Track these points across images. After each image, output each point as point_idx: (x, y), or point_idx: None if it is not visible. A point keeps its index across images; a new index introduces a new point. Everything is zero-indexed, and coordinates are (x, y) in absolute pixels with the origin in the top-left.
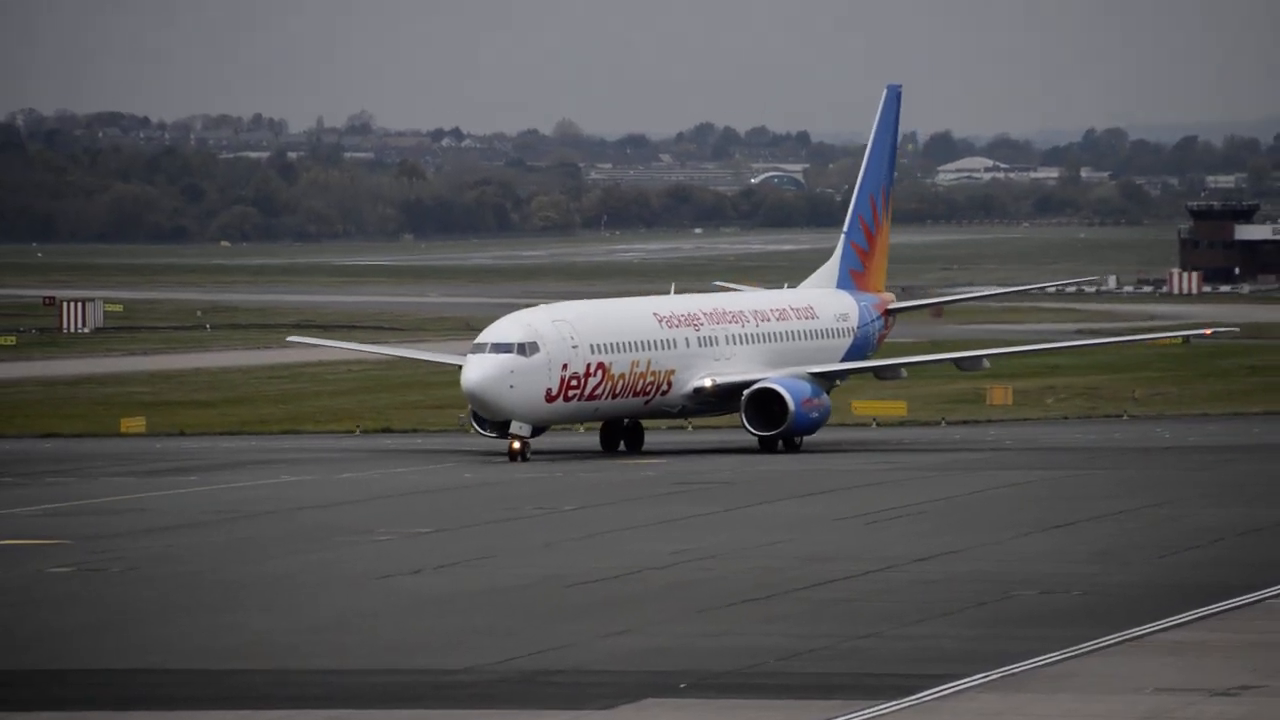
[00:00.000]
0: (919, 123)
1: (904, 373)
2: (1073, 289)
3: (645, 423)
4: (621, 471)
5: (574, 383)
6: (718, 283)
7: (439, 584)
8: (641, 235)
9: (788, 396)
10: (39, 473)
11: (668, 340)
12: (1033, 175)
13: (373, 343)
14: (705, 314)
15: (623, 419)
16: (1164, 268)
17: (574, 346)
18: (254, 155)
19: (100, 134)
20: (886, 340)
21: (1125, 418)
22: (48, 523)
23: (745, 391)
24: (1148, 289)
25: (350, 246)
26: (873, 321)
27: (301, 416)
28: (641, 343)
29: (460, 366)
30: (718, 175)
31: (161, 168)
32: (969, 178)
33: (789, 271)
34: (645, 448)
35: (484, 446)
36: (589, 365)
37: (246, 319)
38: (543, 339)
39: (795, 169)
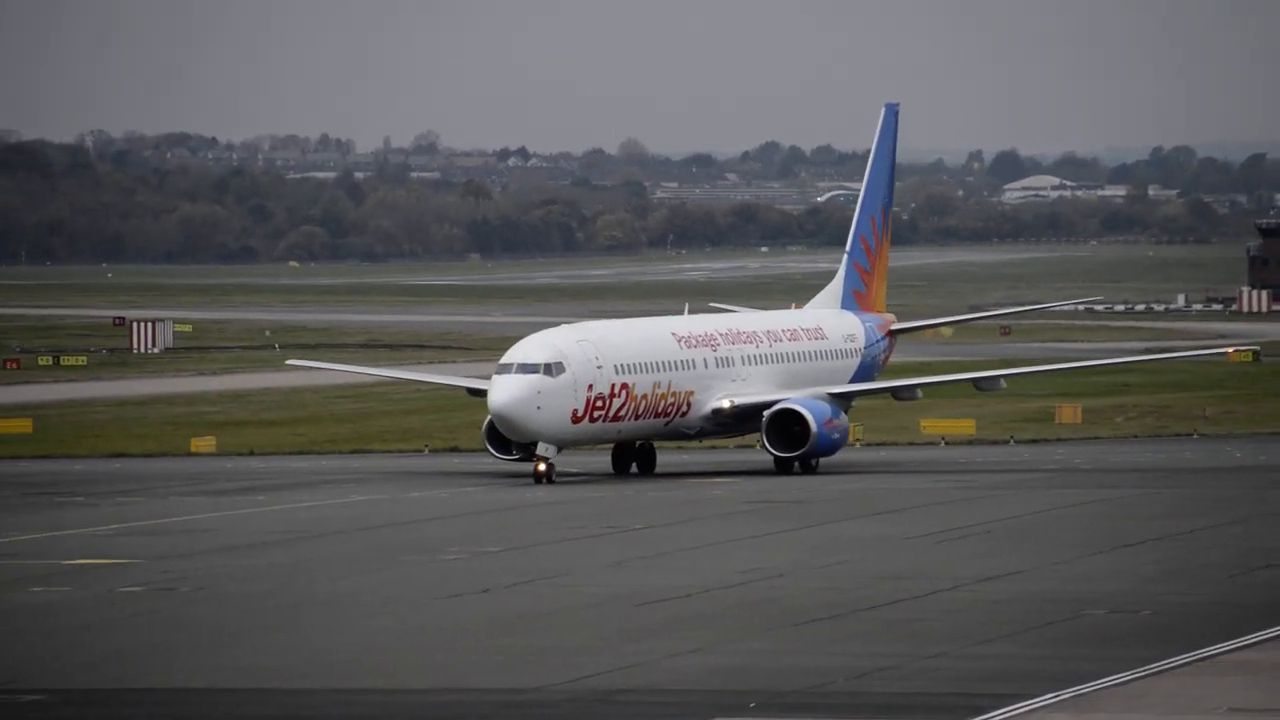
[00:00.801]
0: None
1: (919, 394)
2: (1142, 307)
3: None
4: (690, 490)
5: (599, 403)
6: (713, 304)
7: (508, 603)
8: (707, 254)
9: (810, 417)
10: (109, 493)
11: (687, 361)
12: (1100, 193)
13: (398, 364)
14: (721, 334)
15: (635, 441)
16: (1233, 285)
17: (599, 367)
18: (321, 175)
19: (169, 154)
20: (909, 359)
21: (1196, 436)
22: (118, 542)
23: (766, 412)
24: (1217, 307)
25: (417, 266)
26: (878, 342)
27: (370, 435)
28: (662, 363)
29: (466, 389)
30: (783, 194)
31: (229, 188)
32: (1036, 196)
33: None
34: (657, 470)
35: (505, 469)
36: (613, 386)
37: (314, 339)
38: (568, 359)
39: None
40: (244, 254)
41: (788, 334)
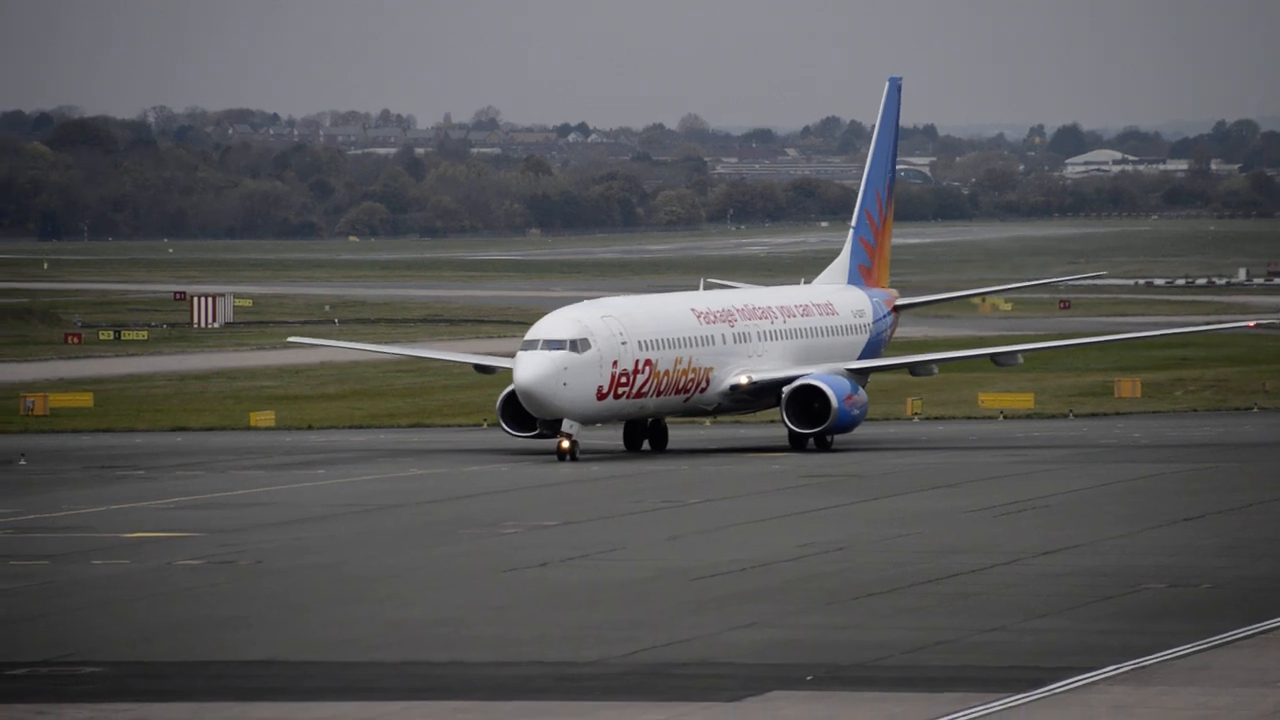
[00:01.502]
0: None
1: (935, 369)
2: (1203, 281)
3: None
4: (747, 465)
5: (624, 380)
6: (709, 279)
7: (566, 577)
8: (767, 229)
9: (830, 393)
10: (169, 466)
11: (706, 337)
12: (1162, 168)
13: (417, 341)
14: (738, 310)
15: (647, 418)
16: None
17: (623, 343)
18: (382, 151)
19: (230, 131)
20: (960, 333)
21: (1255, 410)
22: (178, 516)
23: (786, 388)
24: (1278, 281)
25: (477, 241)
26: (885, 317)
27: (429, 410)
28: (683, 339)
29: (473, 365)
30: (844, 169)
31: (290, 164)
32: (1097, 170)
33: (914, 266)
34: (670, 447)
35: (523, 446)
36: (637, 362)
37: (374, 314)
38: (594, 335)
39: (922, 162)
40: (305, 229)
41: (800, 310)
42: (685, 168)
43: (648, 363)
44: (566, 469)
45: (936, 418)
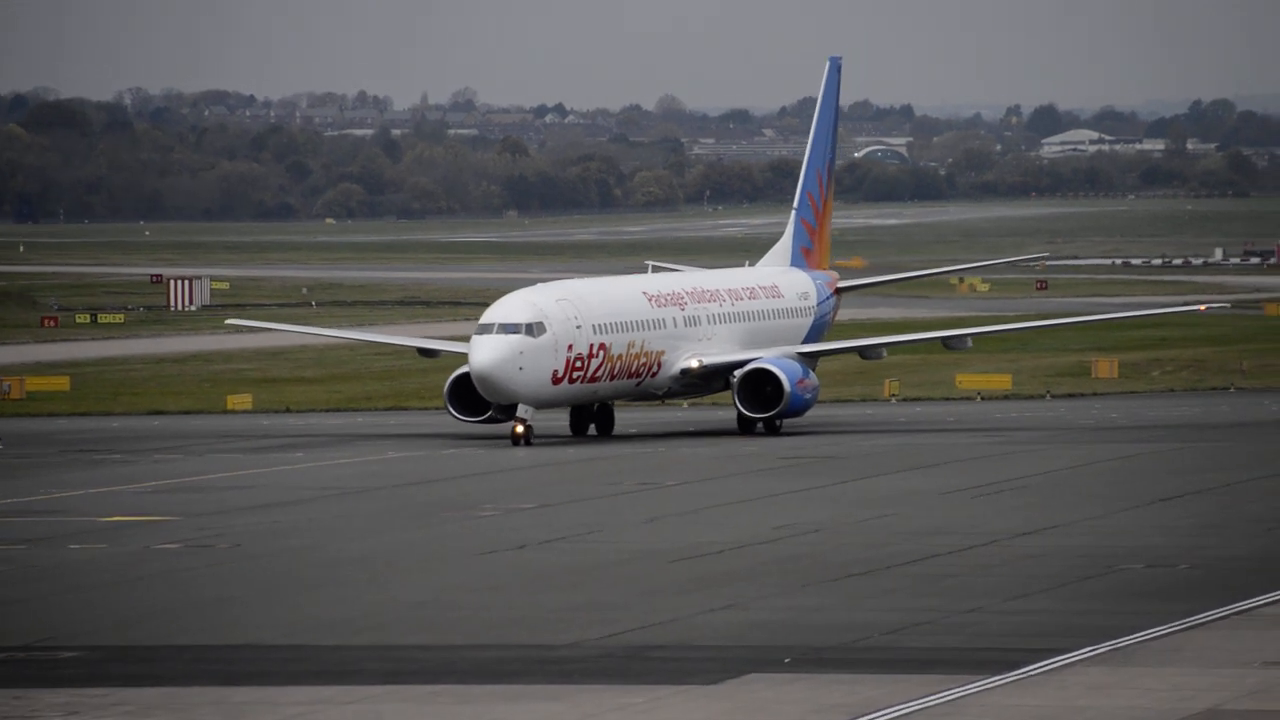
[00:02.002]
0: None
1: (884, 353)
2: (1179, 261)
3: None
4: (724, 447)
5: (578, 364)
6: (650, 262)
7: (543, 559)
8: (745, 210)
9: (783, 377)
10: (147, 450)
11: (657, 320)
12: (1138, 147)
13: (333, 326)
14: (688, 293)
15: (598, 402)
16: (1272, 239)
17: (578, 327)
18: (359, 133)
19: (206, 112)
20: (939, 314)
21: (1232, 390)
22: (155, 499)
23: (738, 372)
24: (1255, 260)
25: (454, 223)
26: (828, 299)
27: (406, 393)
28: (635, 323)
29: (416, 349)
30: None
31: (267, 145)
32: (1074, 150)
33: (890, 247)
34: (616, 431)
35: (471, 431)
36: (592, 346)
37: (351, 296)
38: (549, 319)
39: (899, 142)
40: (281, 211)
41: (747, 292)
42: (662, 149)
43: (602, 346)
44: (545, 452)
45: (914, 399)
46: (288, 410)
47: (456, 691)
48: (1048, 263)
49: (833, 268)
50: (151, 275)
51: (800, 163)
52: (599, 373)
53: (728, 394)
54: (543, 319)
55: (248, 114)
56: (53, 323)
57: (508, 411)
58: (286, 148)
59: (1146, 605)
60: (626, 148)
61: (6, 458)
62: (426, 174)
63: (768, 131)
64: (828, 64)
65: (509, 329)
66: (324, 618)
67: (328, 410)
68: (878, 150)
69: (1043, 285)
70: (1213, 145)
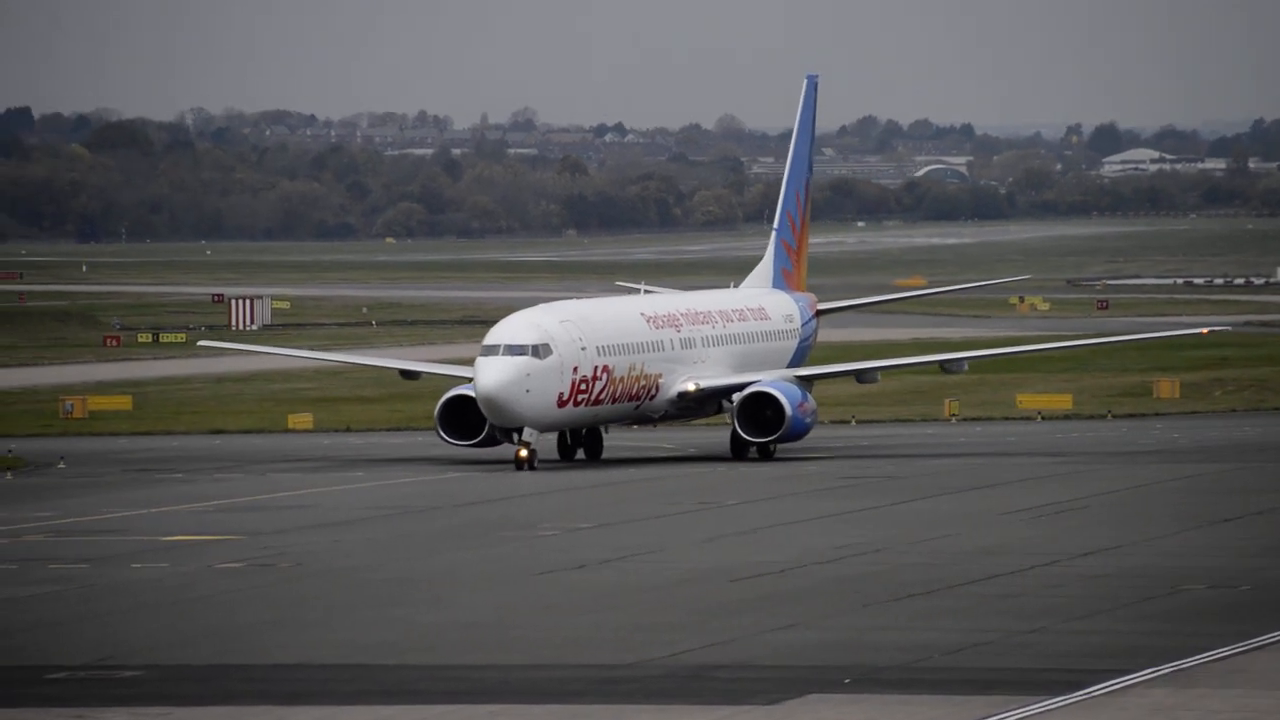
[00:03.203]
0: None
1: (878, 376)
2: (1241, 281)
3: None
4: (784, 467)
5: (583, 386)
6: (619, 282)
7: (603, 579)
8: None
9: (784, 401)
10: (207, 469)
11: (656, 343)
12: (1200, 166)
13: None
14: (683, 315)
15: (600, 426)
16: None
17: (582, 349)
18: (419, 152)
19: (267, 132)
20: (991, 333)
21: None
22: (217, 519)
23: (738, 395)
24: None
25: (513, 242)
26: (810, 321)
27: None
28: (635, 345)
29: (398, 371)
30: (880, 168)
31: (328, 165)
32: (1135, 169)
33: (950, 266)
34: (604, 455)
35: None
36: (595, 368)
37: (411, 315)
38: (554, 340)
39: (959, 161)
40: (342, 230)
41: (737, 314)
42: (722, 168)
43: (605, 369)
44: (604, 472)
45: (974, 418)
46: (348, 429)
47: (517, 711)
48: (1108, 282)
49: (894, 286)
50: (213, 295)
51: (857, 180)
52: (602, 395)
53: (695, 417)
54: (548, 340)
55: (308, 134)
56: (115, 342)
57: (507, 435)
58: (347, 167)
59: (1209, 626)
60: (686, 167)
61: (69, 477)
62: (486, 193)
63: (827, 150)
64: (805, 82)
65: (515, 350)
66: (384, 637)
67: (388, 429)
68: (937, 169)
69: (1104, 305)
70: (1275, 164)
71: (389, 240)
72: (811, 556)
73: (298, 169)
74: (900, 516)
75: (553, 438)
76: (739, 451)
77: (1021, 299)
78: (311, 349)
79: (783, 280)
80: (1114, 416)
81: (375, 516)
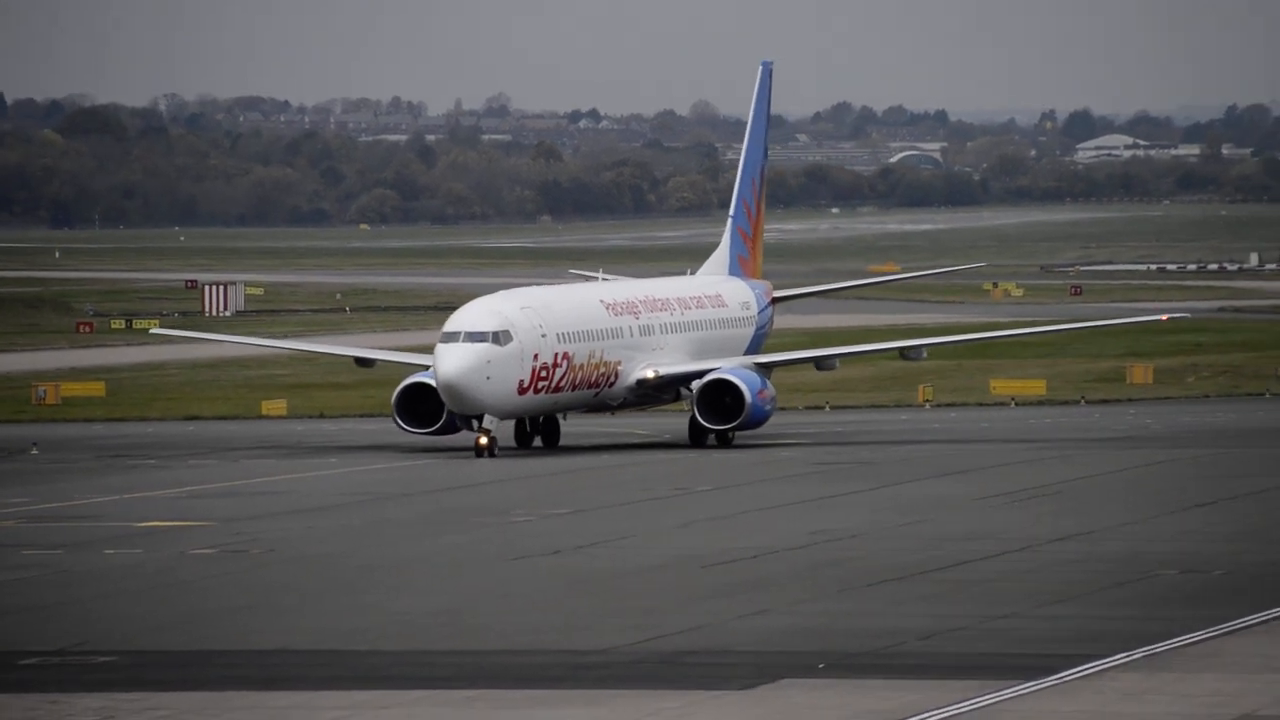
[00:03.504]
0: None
1: (837, 364)
2: (1215, 266)
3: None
4: (757, 453)
5: (543, 373)
6: (573, 270)
7: (577, 565)
8: (778, 215)
9: (744, 388)
10: (181, 455)
11: (615, 329)
12: (1173, 152)
13: (264, 336)
14: (641, 302)
15: (559, 413)
16: None
17: (543, 335)
18: (393, 138)
19: (241, 118)
20: (970, 319)
21: (1268, 396)
22: (190, 505)
23: (697, 383)
24: None
25: (488, 229)
26: (766, 309)
27: None
28: (595, 332)
29: (353, 358)
30: (855, 155)
31: (301, 151)
32: (1109, 155)
33: (924, 252)
34: (562, 443)
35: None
36: (556, 355)
37: (385, 301)
38: (515, 327)
39: (933, 148)
40: (316, 217)
41: (695, 301)
42: (696, 154)
43: (565, 356)
44: (576, 459)
45: (948, 404)
46: (322, 416)
47: (492, 696)
48: (1081, 268)
49: (867, 272)
50: (186, 281)
51: (831, 166)
52: (562, 383)
53: (654, 404)
54: (509, 327)
55: (282, 119)
56: (88, 328)
57: (467, 422)
58: (321, 153)
59: (1182, 611)
60: (660, 153)
61: (42, 463)
62: (460, 179)
63: (801, 136)
64: (760, 68)
65: (475, 337)
66: (358, 623)
67: (361, 415)
68: (911, 155)
69: (1077, 290)
70: (1248, 150)
71: (363, 226)
72: (785, 542)
73: (271, 155)
74: (874, 502)
75: (510, 425)
76: (697, 439)
77: (995, 285)
78: (284, 336)
79: (739, 267)
80: (1087, 402)
81: (349, 503)
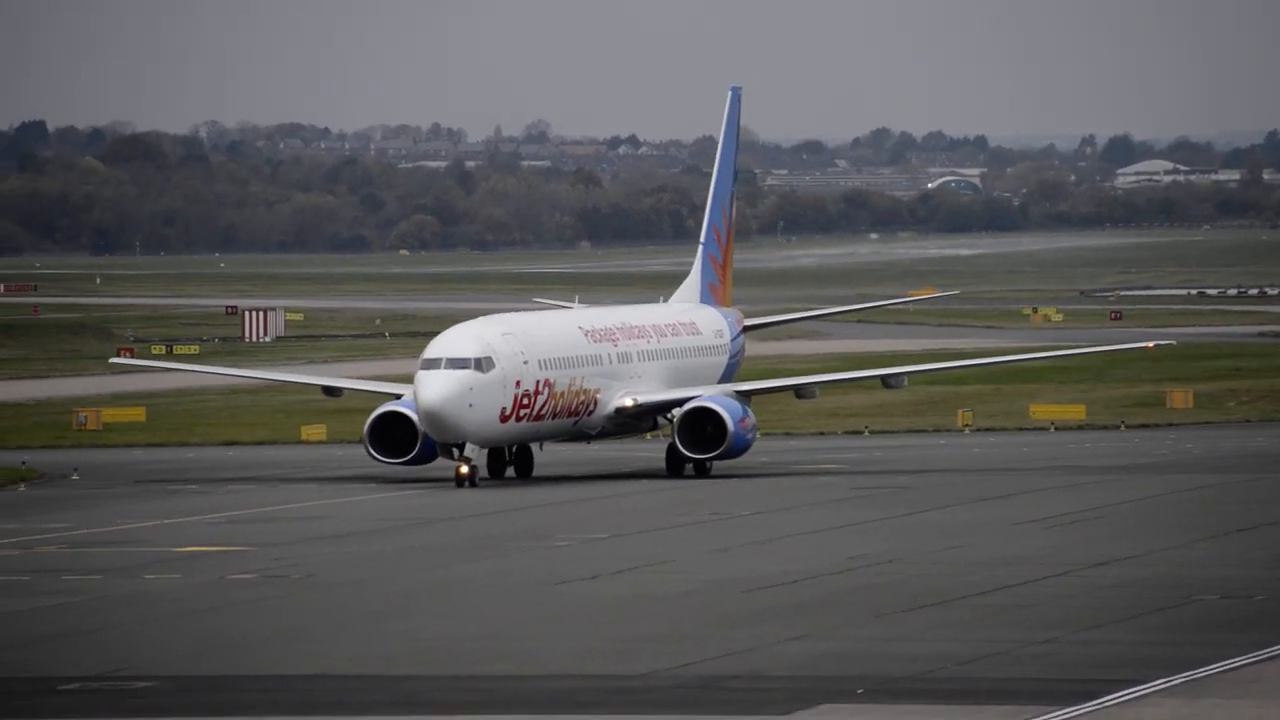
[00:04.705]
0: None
1: (817, 392)
2: (1255, 291)
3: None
4: (794, 477)
5: (525, 401)
6: (537, 299)
7: (616, 590)
8: (818, 241)
9: (727, 417)
10: (221, 480)
11: (594, 356)
12: (1214, 178)
13: (229, 365)
14: (619, 329)
15: (540, 442)
16: None
17: (525, 362)
18: (432, 165)
19: (281, 145)
20: (1007, 343)
21: None
22: (230, 530)
23: (678, 411)
24: None
25: (527, 254)
26: (738, 337)
27: None
28: (575, 359)
29: (321, 387)
30: (894, 180)
31: (341, 178)
32: (1149, 181)
33: (966, 277)
34: (535, 473)
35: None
36: (538, 382)
37: (425, 327)
38: (497, 354)
39: (972, 173)
40: (356, 243)
41: (670, 329)
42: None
43: (547, 383)
44: (615, 484)
45: (988, 429)
46: (361, 441)
47: None
48: (1121, 293)
49: (906, 297)
50: (227, 307)
51: (871, 192)
52: (544, 411)
53: (631, 433)
54: (491, 354)
55: (322, 146)
56: (129, 354)
57: (448, 451)
58: (361, 180)
59: (1222, 636)
60: (699, 179)
61: (82, 488)
62: (500, 205)
63: (840, 162)
64: (729, 93)
65: (458, 364)
66: (396, 648)
67: None
68: (951, 181)
69: (1117, 315)
70: None
71: (403, 252)
72: (824, 567)
73: (311, 182)
74: (913, 526)
75: (483, 454)
76: (675, 468)
77: (1035, 310)
78: (324, 361)
79: (710, 295)
80: (1127, 427)
81: (387, 528)
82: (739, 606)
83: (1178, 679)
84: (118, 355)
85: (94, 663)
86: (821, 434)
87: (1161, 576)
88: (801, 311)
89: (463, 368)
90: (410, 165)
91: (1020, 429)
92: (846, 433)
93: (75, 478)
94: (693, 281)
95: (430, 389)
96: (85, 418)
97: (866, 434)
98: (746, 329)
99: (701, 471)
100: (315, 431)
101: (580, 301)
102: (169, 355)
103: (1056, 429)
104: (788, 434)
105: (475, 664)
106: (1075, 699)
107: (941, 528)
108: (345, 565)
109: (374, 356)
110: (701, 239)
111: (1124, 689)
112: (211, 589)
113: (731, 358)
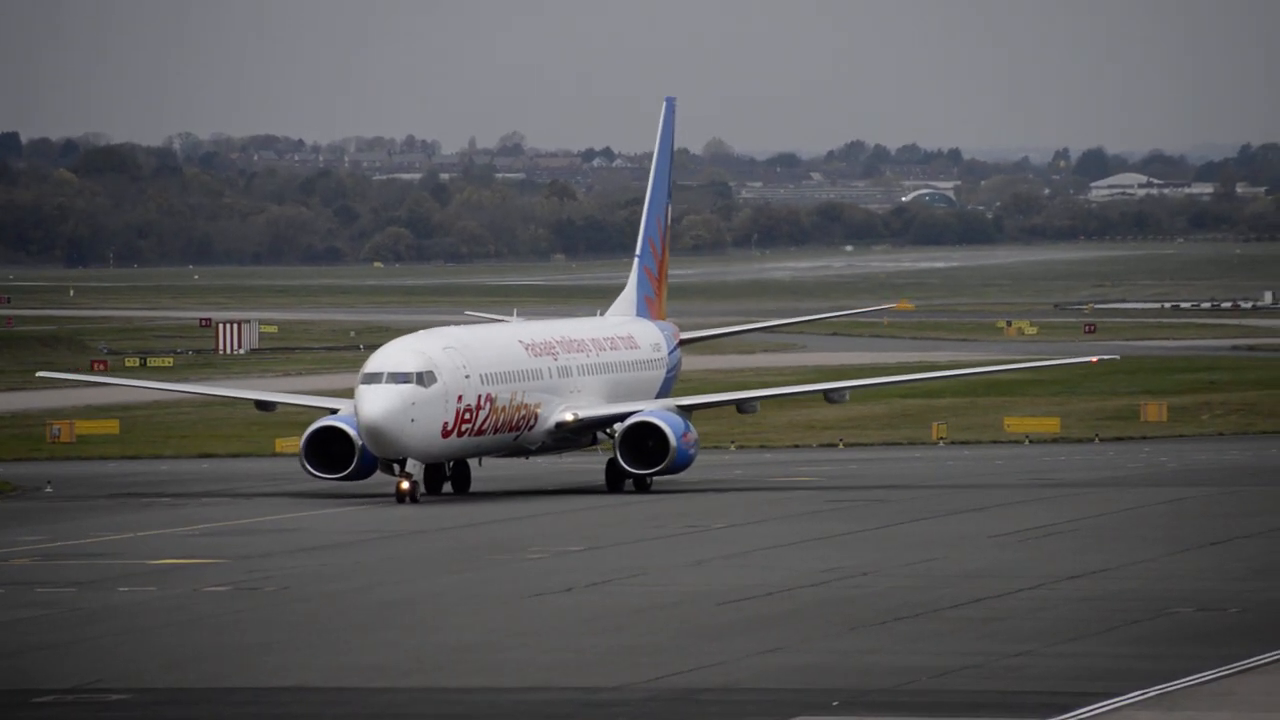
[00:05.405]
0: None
1: (757, 406)
2: (1228, 304)
3: None
4: (768, 490)
5: (467, 416)
6: (469, 311)
7: (590, 602)
8: (792, 254)
9: (669, 431)
10: (195, 493)
11: (535, 371)
12: (1187, 191)
13: (175, 380)
14: (558, 343)
15: (480, 458)
16: None
17: (466, 377)
18: (407, 177)
19: (255, 157)
20: (982, 355)
21: None
22: (203, 542)
23: (619, 426)
24: None
25: (502, 266)
26: (674, 350)
27: None
28: (516, 373)
29: (254, 401)
30: (868, 193)
31: (315, 190)
32: (1122, 194)
33: (938, 290)
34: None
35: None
36: (479, 397)
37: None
38: (439, 368)
39: (947, 186)
40: (330, 255)
41: (609, 343)
42: (709, 192)
43: (489, 398)
44: (591, 497)
45: (962, 442)
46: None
47: None
48: (1095, 306)
49: (883, 311)
50: (200, 319)
51: (845, 205)
52: (485, 425)
53: (571, 448)
54: (433, 368)
55: (296, 158)
56: (102, 366)
57: (389, 467)
58: (335, 192)
59: (1197, 649)
60: (674, 191)
61: (56, 501)
62: (474, 218)
63: (815, 175)
64: (664, 104)
65: (399, 378)
66: (372, 660)
67: None
68: (925, 194)
69: (1091, 329)
70: (1262, 189)
71: (377, 264)
72: (799, 579)
73: (285, 194)
74: (888, 539)
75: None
76: (615, 483)
77: (1009, 323)
78: (298, 373)
79: (646, 308)
80: (1101, 440)
81: (363, 540)
82: (714, 619)
83: (1153, 691)
84: (90, 369)
85: (69, 675)
86: (797, 446)
87: (1136, 589)
88: (733, 326)
89: (404, 382)
90: (384, 177)
91: (995, 442)
92: (821, 445)
93: (49, 490)
94: (629, 294)
95: (371, 404)
96: (59, 430)
97: (841, 446)
98: (683, 342)
99: (642, 487)
100: (290, 444)
101: (518, 314)
102: (143, 368)
103: (1031, 442)
104: (763, 447)
105: (451, 676)
106: (1049, 711)
107: (917, 540)
108: (319, 578)
109: (350, 369)
110: (637, 251)
111: (1099, 702)
112: (185, 601)
113: (669, 371)
